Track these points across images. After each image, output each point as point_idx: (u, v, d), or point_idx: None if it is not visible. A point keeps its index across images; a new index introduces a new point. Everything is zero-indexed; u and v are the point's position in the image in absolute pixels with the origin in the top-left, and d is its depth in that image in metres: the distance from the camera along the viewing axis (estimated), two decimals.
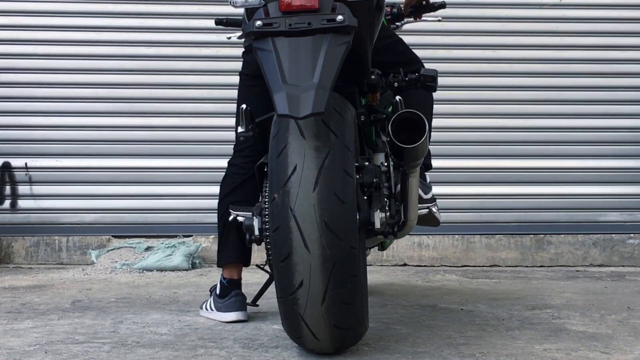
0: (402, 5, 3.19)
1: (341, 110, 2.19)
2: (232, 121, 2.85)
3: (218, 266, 3.07)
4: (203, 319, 2.97)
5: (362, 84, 2.46)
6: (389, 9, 3.17)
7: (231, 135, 2.95)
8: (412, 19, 3.25)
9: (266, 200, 2.24)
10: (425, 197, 2.84)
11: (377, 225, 2.24)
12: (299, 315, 2.12)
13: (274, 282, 2.28)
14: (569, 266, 4.92)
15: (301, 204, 2.06)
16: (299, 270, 2.08)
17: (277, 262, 2.12)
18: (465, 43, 5.13)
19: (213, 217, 3.11)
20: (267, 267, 2.64)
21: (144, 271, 4.52)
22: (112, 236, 4.97)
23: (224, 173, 3.01)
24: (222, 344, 2.48)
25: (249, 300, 2.98)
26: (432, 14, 3.25)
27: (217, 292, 3.00)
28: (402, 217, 2.40)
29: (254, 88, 2.76)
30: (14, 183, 5.03)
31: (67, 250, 4.96)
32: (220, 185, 2.99)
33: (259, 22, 2.15)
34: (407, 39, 3.02)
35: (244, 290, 3.00)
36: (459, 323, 2.84)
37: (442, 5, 3.22)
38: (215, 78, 5.00)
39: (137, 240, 4.89)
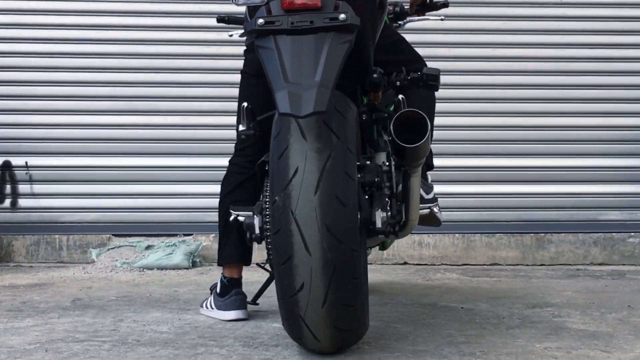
0: (404, 4, 3.19)
1: (343, 110, 2.18)
2: (233, 120, 2.85)
3: (219, 265, 3.06)
4: (203, 317, 2.96)
5: (365, 83, 2.46)
6: (391, 8, 3.17)
7: (232, 133, 2.94)
8: (414, 17, 3.25)
9: (267, 199, 2.23)
10: (426, 197, 2.83)
11: (379, 224, 2.24)
12: (299, 317, 2.11)
13: (274, 281, 2.28)
14: (570, 265, 4.92)
15: (302, 207, 2.05)
16: (299, 273, 2.07)
17: (278, 264, 2.11)
18: (466, 41, 5.13)
19: (214, 216, 3.10)
20: (267, 266, 2.64)
21: (145, 270, 4.52)
22: (113, 235, 4.97)
23: (224, 172, 3.00)
24: (222, 343, 2.48)
25: (249, 299, 2.98)
26: (434, 12, 3.25)
27: (218, 290, 3.00)
28: (404, 216, 2.39)
29: (255, 86, 2.74)
30: (14, 182, 5.02)
31: (67, 248, 4.95)
32: (221, 184, 2.99)
33: (261, 20, 2.15)
34: (408, 37, 3.02)
35: (244, 288, 3.00)
36: (459, 322, 2.84)
37: (445, 4, 3.23)
38: (216, 76, 4.99)
39: (137, 238, 4.89)
